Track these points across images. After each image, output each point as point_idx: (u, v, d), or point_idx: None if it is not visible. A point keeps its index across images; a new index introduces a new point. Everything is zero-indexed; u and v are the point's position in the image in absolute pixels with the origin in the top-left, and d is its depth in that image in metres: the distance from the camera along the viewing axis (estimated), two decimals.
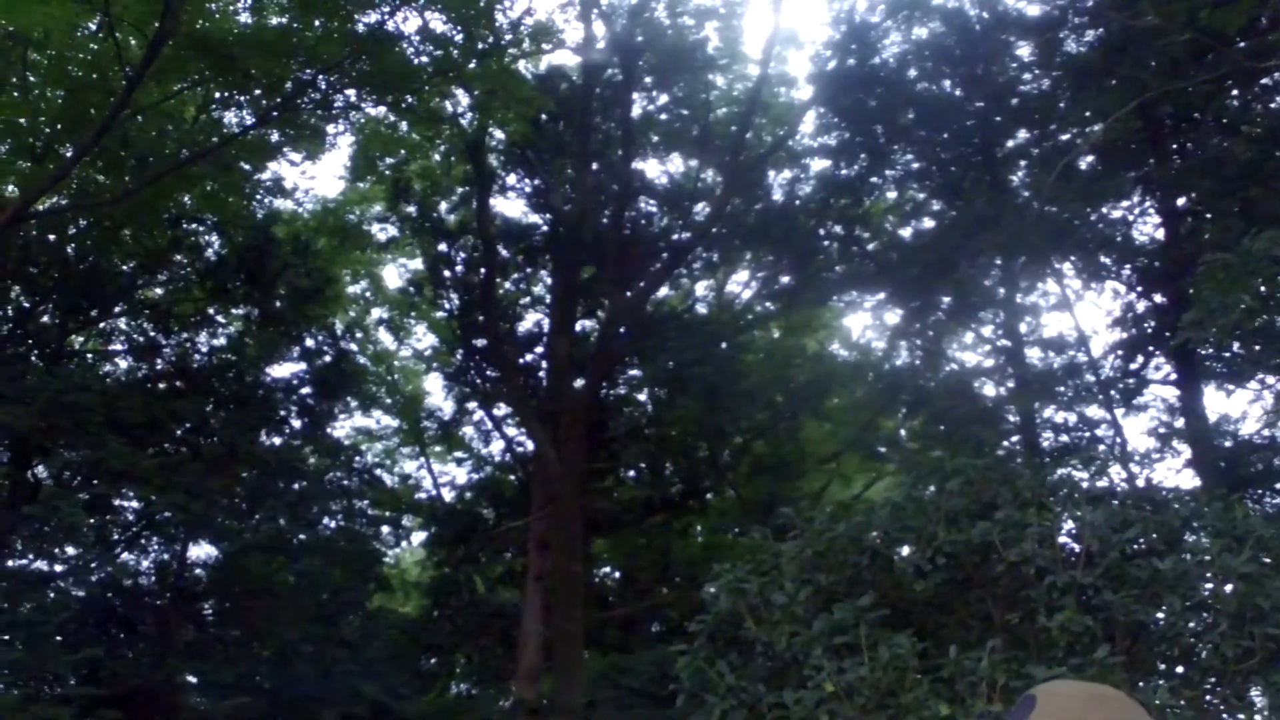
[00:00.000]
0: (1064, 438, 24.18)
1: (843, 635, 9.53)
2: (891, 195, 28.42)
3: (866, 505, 11.86)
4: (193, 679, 24.50)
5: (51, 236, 25.55)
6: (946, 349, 27.77)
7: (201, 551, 26.81)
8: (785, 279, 28.80)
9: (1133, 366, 24.25)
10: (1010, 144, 25.72)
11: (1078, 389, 24.17)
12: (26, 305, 26.50)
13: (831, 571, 10.44)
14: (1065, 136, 24.12)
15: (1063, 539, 10.12)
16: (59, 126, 24.66)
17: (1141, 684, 9.39)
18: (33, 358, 26.23)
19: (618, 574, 32.03)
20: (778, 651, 9.85)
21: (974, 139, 25.30)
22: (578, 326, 28.93)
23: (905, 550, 10.39)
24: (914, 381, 26.17)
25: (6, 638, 22.74)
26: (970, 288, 25.29)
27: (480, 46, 22.94)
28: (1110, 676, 8.57)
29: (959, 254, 24.23)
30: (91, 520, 24.51)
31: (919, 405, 25.93)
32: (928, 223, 27.65)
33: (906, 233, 28.31)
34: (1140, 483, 16.70)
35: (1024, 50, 25.12)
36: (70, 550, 25.75)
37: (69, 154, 23.70)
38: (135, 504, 25.62)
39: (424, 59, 23.02)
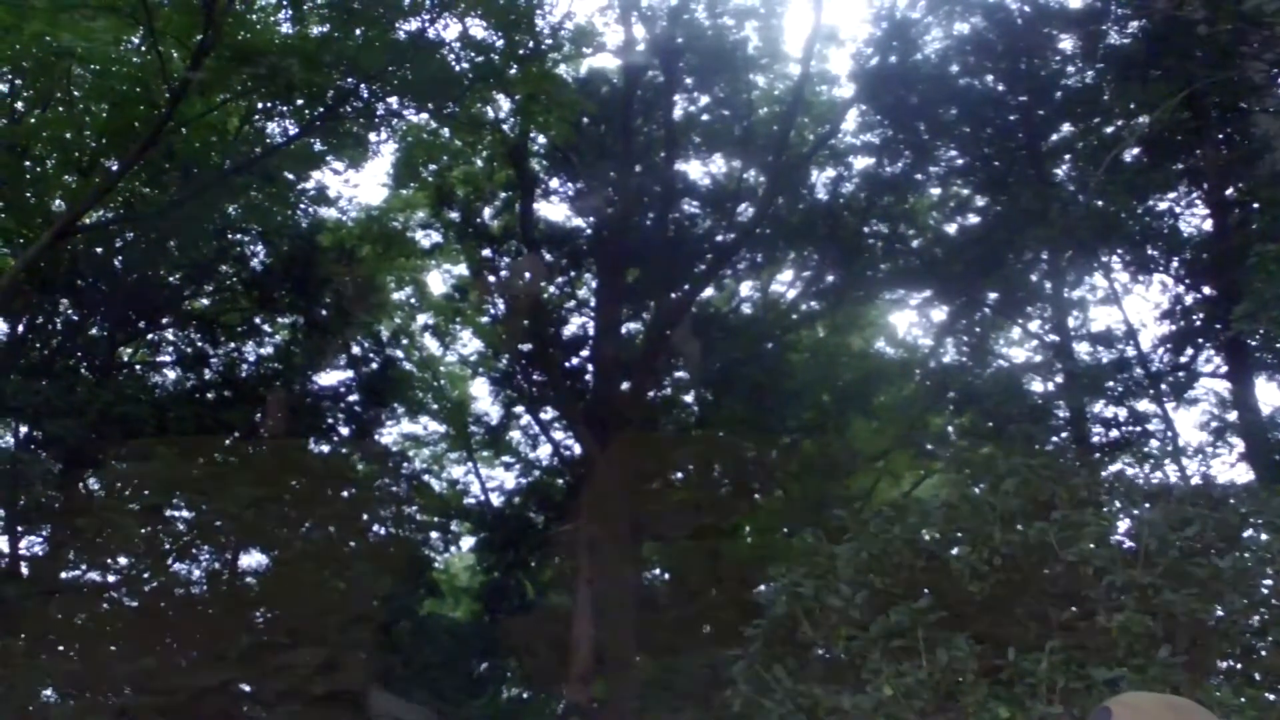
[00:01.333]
0: (1114, 433, 24.00)
1: (900, 638, 9.48)
2: (935, 192, 28.31)
3: (920, 505, 11.79)
4: (246, 687, 24.62)
5: (99, 249, 25.72)
6: (993, 345, 27.64)
7: (252, 560, 26.95)
8: (830, 278, 28.74)
9: (1182, 360, 24.07)
10: (1055, 137, 25.58)
11: (1127, 383, 23.99)
12: (76, 318, 26.68)
13: (887, 574, 10.39)
14: (1110, 129, 23.96)
15: (1120, 538, 10.05)
16: (104, 141, 24.85)
17: (1203, 683, 9.30)
18: (82, 370, 26.43)
19: (667, 576, 31.98)
20: (835, 655, 9.81)
21: (1018, 133, 25.17)
22: (623, 329, 28.93)
23: (961, 551, 10.32)
24: (961, 378, 26.05)
25: (61, 648, 22.93)
26: (1017, 283, 25.16)
27: (521, 52, 22.97)
28: (1171, 677, 8.49)
29: (1005, 249, 24.12)
30: (143, 530, 24.68)
31: (967, 402, 25.79)
32: (973, 219, 27.52)
33: (951, 229, 28.19)
34: (1196, 479, 16.51)
35: (1067, 43, 24.99)
36: (122, 560, 25.94)
37: (115, 167, 23.87)
38: (186, 513, 25.78)
39: (465, 65, 23.08)
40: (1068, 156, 25.49)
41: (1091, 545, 9.67)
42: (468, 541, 33.85)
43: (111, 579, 25.93)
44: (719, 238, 28.40)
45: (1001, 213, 25.07)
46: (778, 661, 10.19)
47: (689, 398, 30.93)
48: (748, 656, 10.39)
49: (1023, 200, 23.89)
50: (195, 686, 23.06)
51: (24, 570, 25.65)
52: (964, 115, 25.22)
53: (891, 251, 27.68)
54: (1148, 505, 10.24)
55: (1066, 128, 25.39)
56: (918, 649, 9.33)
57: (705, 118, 29.20)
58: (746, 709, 10.23)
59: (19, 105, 25.57)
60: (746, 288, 32.26)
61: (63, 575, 25.16)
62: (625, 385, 26.95)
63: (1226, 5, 17.84)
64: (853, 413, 28.35)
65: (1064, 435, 23.84)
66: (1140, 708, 2.70)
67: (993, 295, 25.92)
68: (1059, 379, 24.88)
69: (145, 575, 25.24)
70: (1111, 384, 23.88)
